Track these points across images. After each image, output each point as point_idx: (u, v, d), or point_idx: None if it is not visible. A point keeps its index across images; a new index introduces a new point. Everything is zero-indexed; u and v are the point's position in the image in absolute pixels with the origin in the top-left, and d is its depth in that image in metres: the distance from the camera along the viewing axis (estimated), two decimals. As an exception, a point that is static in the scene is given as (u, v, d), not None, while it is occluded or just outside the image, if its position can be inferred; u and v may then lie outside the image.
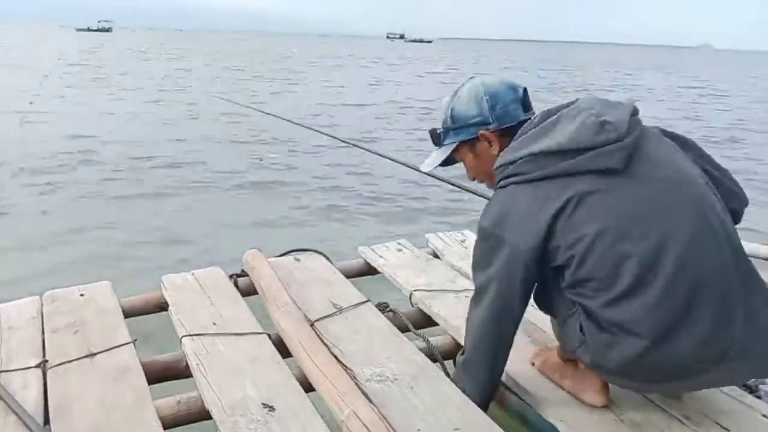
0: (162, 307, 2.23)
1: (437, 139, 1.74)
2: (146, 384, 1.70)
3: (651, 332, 1.37)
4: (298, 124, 3.89)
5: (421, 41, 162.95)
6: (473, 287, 1.64)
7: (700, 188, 1.46)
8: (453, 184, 2.62)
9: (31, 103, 12.68)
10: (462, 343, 1.97)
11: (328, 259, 2.69)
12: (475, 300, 1.61)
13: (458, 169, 1.90)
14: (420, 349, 1.94)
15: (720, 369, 1.41)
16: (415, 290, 2.35)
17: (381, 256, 2.73)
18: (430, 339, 2.03)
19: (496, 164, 1.58)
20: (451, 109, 1.69)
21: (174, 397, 1.68)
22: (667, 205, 1.41)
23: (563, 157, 1.43)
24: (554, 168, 1.44)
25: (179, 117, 11.85)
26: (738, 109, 17.21)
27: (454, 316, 2.12)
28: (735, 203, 1.58)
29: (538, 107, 1.67)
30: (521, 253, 1.47)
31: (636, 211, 1.40)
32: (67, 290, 2.23)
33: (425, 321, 2.23)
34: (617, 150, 1.41)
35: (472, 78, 1.71)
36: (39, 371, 1.74)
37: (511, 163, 1.52)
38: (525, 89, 1.67)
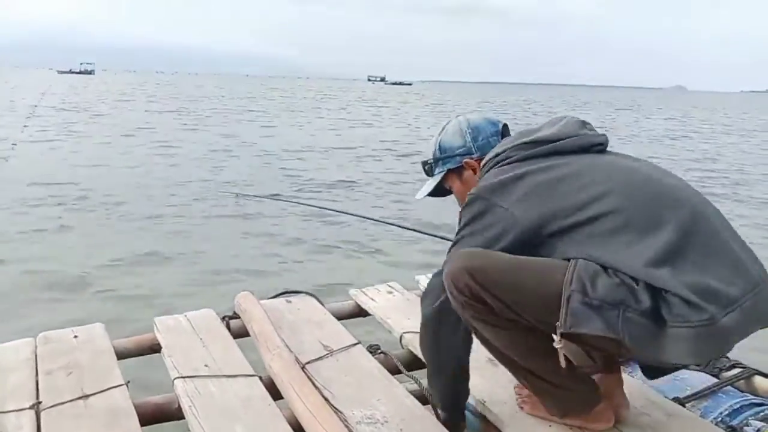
0: (154, 348, 2.26)
1: (428, 169, 1.91)
2: (139, 426, 1.72)
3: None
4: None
5: (401, 84, 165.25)
6: None
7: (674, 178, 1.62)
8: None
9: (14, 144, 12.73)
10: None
11: (319, 301, 2.73)
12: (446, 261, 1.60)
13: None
14: (410, 392, 1.97)
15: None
16: (405, 332, 2.38)
17: (372, 299, 2.77)
18: (421, 381, 2.06)
19: (484, 161, 1.73)
20: (439, 141, 1.87)
21: (167, 438, 1.70)
22: (654, 173, 1.56)
23: (549, 143, 1.60)
24: (542, 148, 1.59)
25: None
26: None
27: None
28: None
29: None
30: (514, 219, 1.51)
31: (633, 174, 1.54)
32: (61, 332, 2.26)
33: (416, 363, 2.26)
34: (599, 136, 1.65)
35: (457, 116, 1.91)
36: (32, 413, 1.75)
37: (500, 153, 1.66)
38: (505, 124, 1.87)
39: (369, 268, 5.65)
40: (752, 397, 2.08)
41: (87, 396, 1.85)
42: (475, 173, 1.79)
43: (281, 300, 2.72)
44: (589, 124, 1.67)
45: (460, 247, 1.58)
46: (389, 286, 2.93)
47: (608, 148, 1.67)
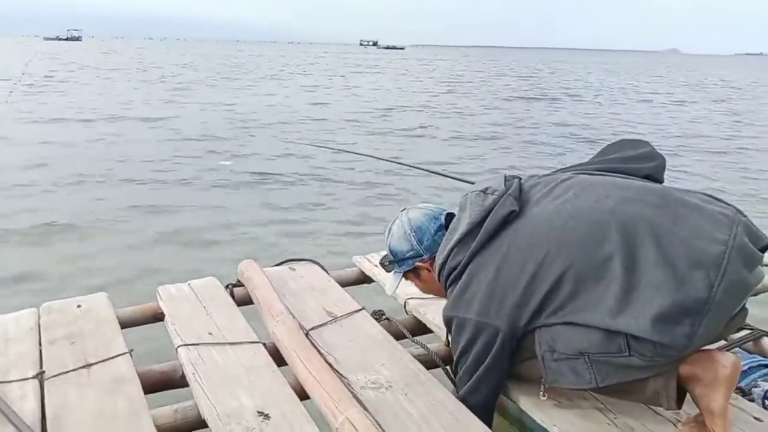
0: (158, 317, 2.25)
1: (387, 268, 2.00)
2: (142, 394, 1.71)
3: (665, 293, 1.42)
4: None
5: (394, 47, 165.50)
6: None
7: (596, 178, 1.66)
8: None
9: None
10: None
11: (322, 268, 2.71)
12: (462, 375, 1.74)
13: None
14: (415, 356, 1.95)
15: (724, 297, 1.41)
16: (409, 298, 2.36)
17: (376, 265, 2.74)
18: (427, 345, 2.04)
19: (435, 272, 1.81)
20: (389, 246, 1.96)
21: (170, 406, 1.69)
22: (582, 209, 1.56)
23: (476, 232, 1.66)
24: (475, 243, 1.65)
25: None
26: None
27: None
28: (649, 165, 1.73)
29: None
30: (503, 331, 1.60)
31: (554, 226, 1.56)
32: (64, 302, 2.25)
33: (420, 329, 2.25)
34: (505, 200, 1.65)
35: (400, 213, 1.96)
36: (36, 382, 1.75)
37: (444, 261, 1.73)
38: (448, 214, 1.90)
39: (372, 235, 5.64)
40: (760, 358, 2.07)
41: (90, 365, 1.84)
42: (430, 272, 1.88)
43: (284, 267, 2.70)
44: (488, 189, 1.70)
45: (470, 375, 1.71)
46: (393, 252, 2.89)
47: (525, 187, 1.71)
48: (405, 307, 2.36)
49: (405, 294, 2.41)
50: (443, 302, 2.28)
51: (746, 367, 2.04)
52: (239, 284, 2.50)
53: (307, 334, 2.04)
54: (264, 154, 9.19)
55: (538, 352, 1.60)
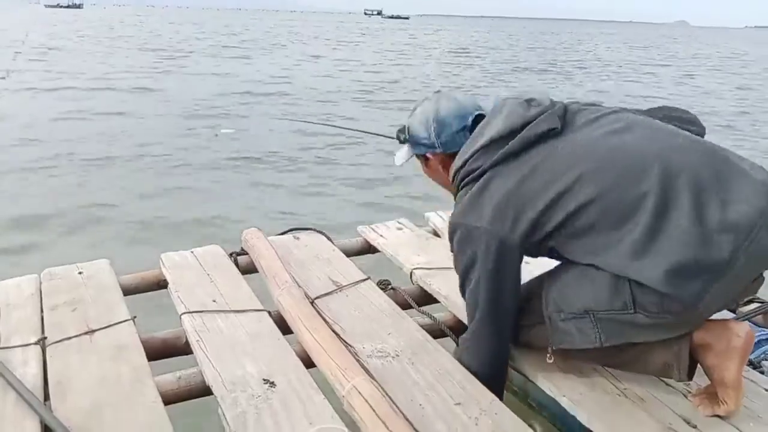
0: (161, 284, 2.22)
1: (401, 140, 1.87)
2: (146, 361, 1.69)
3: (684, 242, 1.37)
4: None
5: (398, 17, 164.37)
6: None
7: (646, 119, 1.59)
8: None
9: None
10: (462, 319, 1.96)
11: (327, 237, 2.67)
12: (468, 297, 1.66)
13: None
14: (421, 326, 1.93)
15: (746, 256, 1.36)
16: (415, 268, 2.33)
17: (381, 235, 2.71)
18: (434, 315, 2.02)
19: (451, 172, 1.69)
20: (408, 124, 1.82)
21: (174, 373, 1.67)
22: (621, 139, 1.50)
23: (507, 140, 1.54)
24: (503, 151, 1.54)
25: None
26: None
27: (455, 293, 2.09)
28: (692, 128, 1.65)
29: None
30: (501, 238, 1.52)
31: (596, 151, 1.49)
32: (66, 268, 2.22)
33: (426, 298, 2.22)
34: (549, 116, 1.55)
35: (432, 95, 1.81)
36: (38, 348, 1.73)
37: (464, 164, 1.62)
38: (477, 116, 1.73)
39: (377, 205, 5.62)
40: (773, 331, 2.04)
41: (93, 331, 1.82)
42: (441, 165, 1.78)
43: (289, 236, 2.67)
44: (533, 100, 1.59)
45: (468, 286, 1.63)
46: (399, 222, 2.87)
47: (570, 109, 1.61)
48: (411, 277, 2.33)
49: (411, 264, 2.38)
50: (450, 272, 2.26)
51: (756, 340, 2.02)
52: (243, 252, 2.47)
53: (312, 303, 2.01)
54: (263, 126, 9.11)
55: (545, 313, 1.56)
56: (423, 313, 2.07)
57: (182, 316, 1.93)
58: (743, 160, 1.48)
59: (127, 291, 2.14)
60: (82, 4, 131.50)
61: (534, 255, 1.60)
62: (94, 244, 4.40)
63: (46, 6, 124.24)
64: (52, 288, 2.08)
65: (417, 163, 1.90)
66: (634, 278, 1.39)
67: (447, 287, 2.16)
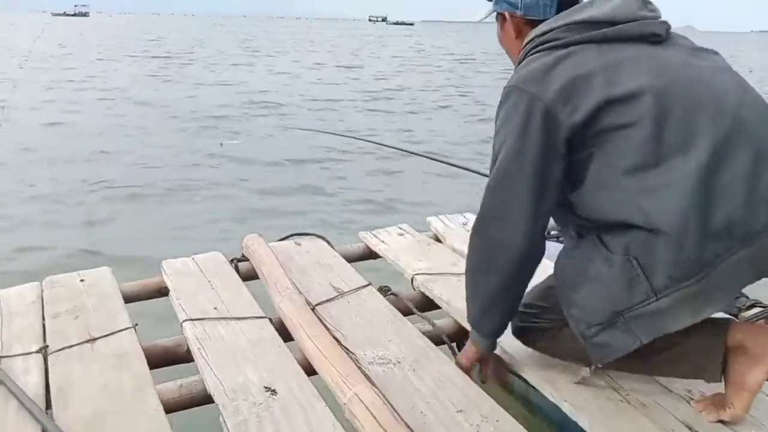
0: (162, 292, 2.22)
1: None
2: (147, 369, 1.69)
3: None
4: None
5: (403, 23, 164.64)
6: None
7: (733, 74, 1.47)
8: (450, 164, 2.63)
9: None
10: (465, 326, 1.97)
11: (328, 243, 2.67)
12: (492, 171, 1.50)
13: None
14: (423, 332, 1.93)
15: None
16: (416, 274, 2.33)
17: (382, 241, 2.71)
18: (434, 322, 2.02)
19: (528, 38, 1.53)
20: None
21: (175, 381, 1.67)
22: (713, 74, 1.41)
23: (605, 26, 1.41)
24: (596, 33, 1.41)
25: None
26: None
27: (457, 299, 2.10)
28: None
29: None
30: (546, 104, 1.37)
31: (685, 73, 1.38)
32: (68, 276, 2.22)
33: (427, 304, 2.22)
34: (661, 23, 1.44)
35: None
36: (40, 356, 1.73)
37: (548, 31, 1.47)
38: None
39: (379, 211, 5.61)
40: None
41: (94, 339, 1.82)
42: (516, 31, 1.60)
43: (290, 242, 2.67)
44: (651, 3, 1.47)
45: (502, 153, 1.45)
46: (400, 228, 2.86)
47: (672, 33, 1.48)
48: (412, 282, 2.33)
49: (412, 269, 2.38)
50: (451, 278, 2.26)
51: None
52: (244, 259, 2.47)
53: (313, 310, 2.01)
54: (267, 135, 9.11)
55: (577, 332, 1.46)
56: (424, 319, 2.07)
57: (183, 324, 1.93)
58: None
59: (129, 299, 2.14)
60: (88, 13, 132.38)
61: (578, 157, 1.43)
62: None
63: (53, 14, 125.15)
64: (54, 296, 2.08)
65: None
66: (656, 211, 1.30)
67: (449, 293, 2.16)
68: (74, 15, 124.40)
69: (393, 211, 5.49)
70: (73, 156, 7.22)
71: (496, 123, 1.50)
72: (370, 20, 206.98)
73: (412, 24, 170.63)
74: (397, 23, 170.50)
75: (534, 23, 1.54)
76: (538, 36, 1.49)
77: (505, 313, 1.61)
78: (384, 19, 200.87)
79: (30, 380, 1.62)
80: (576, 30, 1.43)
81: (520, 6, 1.57)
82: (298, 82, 16.24)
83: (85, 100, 11.63)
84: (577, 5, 1.49)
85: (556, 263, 1.55)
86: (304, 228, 3.12)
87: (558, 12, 1.51)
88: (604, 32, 1.41)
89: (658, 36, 1.43)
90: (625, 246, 1.34)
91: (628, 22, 1.41)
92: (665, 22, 1.46)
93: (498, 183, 1.47)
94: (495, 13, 1.66)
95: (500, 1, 1.62)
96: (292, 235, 2.75)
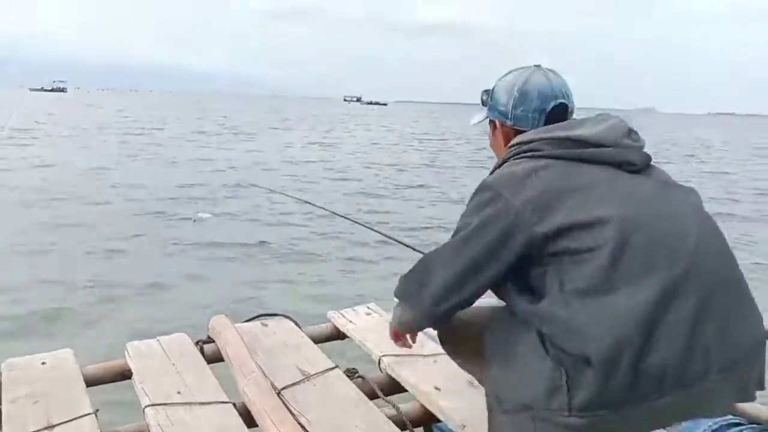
0: (125, 375, 2.19)
1: (483, 100, 1.77)
2: (107, 457, 1.66)
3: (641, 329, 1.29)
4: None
5: (377, 104, 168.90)
6: (442, 352, 1.67)
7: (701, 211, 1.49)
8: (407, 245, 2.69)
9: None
10: (431, 410, 1.97)
11: (296, 323, 2.68)
12: (445, 253, 1.53)
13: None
14: (389, 417, 1.93)
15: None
16: (383, 355, 2.34)
17: (350, 321, 2.73)
18: (399, 406, 2.02)
19: (513, 141, 1.58)
20: (495, 85, 1.72)
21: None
22: (680, 212, 1.43)
23: (587, 146, 1.45)
24: (575, 151, 1.45)
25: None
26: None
27: (423, 382, 2.12)
28: None
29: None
30: (516, 210, 1.40)
31: (652, 207, 1.40)
32: (28, 358, 2.18)
33: (394, 387, 2.22)
34: (639, 151, 1.48)
35: (532, 66, 1.68)
36: (-6, 445, 1.68)
37: (528, 142, 1.52)
38: (559, 105, 1.62)
39: (347, 287, 5.62)
40: (732, 417, 2.08)
41: (53, 426, 1.78)
42: (504, 138, 1.67)
43: (257, 323, 2.66)
44: (635, 133, 1.52)
45: (458, 244, 1.48)
46: (368, 307, 2.89)
47: (651, 165, 1.52)
48: (379, 364, 2.34)
49: (379, 350, 2.39)
50: (418, 360, 2.28)
51: (717, 426, 2.05)
52: (210, 340, 2.46)
53: (279, 394, 2.00)
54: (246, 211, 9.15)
55: (486, 399, 1.49)
56: (389, 403, 2.07)
57: (146, 409, 1.90)
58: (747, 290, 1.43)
59: (91, 382, 2.10)
60: (66, 89, 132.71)
61: (520, 272, 1.46)
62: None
63: (30, 89, 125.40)
64: (13, 379, 2.03)
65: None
66: (594, 339, 1.28)
67: (415, 376, 2.17)
68: (52, 90, 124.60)
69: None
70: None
71: (467, 206, 1.53)
72: (345, 100, 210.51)
73: (386, 104, 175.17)
74: (371, 103, 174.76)
75: (521, 133, 1.60)
76: (521, 143, 1.54)
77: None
78: (358, 99, 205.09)
79: (-16, 471, 1.57)
80: (557, 145, 1.47)
81: (510, 116, 1.64)
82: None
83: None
84: (566, 122, 1.56)
85: (493, 317, 1.58)
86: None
87: (545, 125, 1.58)
88: (582, 152, 1.44)
89: (634, 165, 1.45)
90: (559, 355, 1.33)
91: (609, 146, 1.45)
92: (645, 153, 1.49)
93: (444, 248, 1.53)
94: (488, 119, 1.75)
95: (493, 110, 1.70)
96: (259, 316, 2.75)
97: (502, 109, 1.66)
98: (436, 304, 1.51)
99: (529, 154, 1.50)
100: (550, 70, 1.66)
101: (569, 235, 1.36)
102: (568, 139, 1.47)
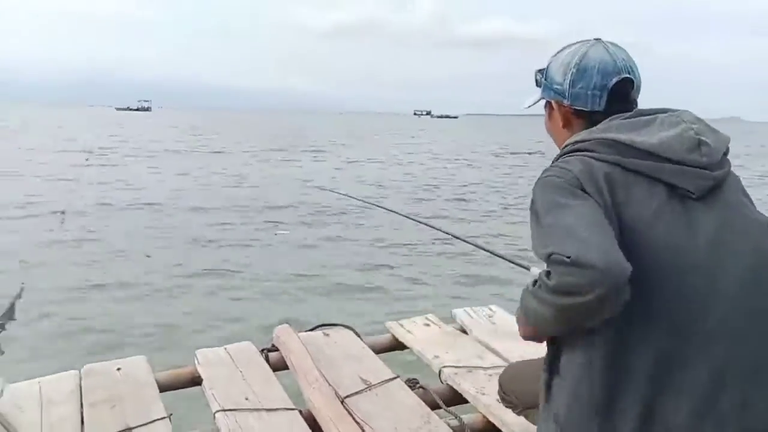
0: (196, 381, 2.27)
1: (537, 80, 1.58)
2: (182, 460, 1.73)
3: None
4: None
5: (447, 117, 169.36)
6: (502, 364, 1.67)
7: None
8: (485, 249, 2.64)
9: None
10: (493, 421, 1.98)
11: (356, 333, 2.72)
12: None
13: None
14: (452, 428, 1.94)
15: None
16: (444, 366, 2.35)
17: (409, 331, 2.75)
18: (461, 417, 2.03)
19: (568, 140, 1.41)
20: (549, 63, 1.54)
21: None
22: (728, 260, 1.22)
23: (646, 157, 1.27)
24: (632, 162, 1.26)
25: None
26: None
27: (484, 393, 2.12)
28: None
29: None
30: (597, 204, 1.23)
31: (692, 255, 1.21)
32: (104, 364, 2.29)
33: (455, 398, 2.23)
34: (701, 177, 1.25)
35: (590, 40, 1.49)
36: (79, 446, 1.78)
37: (586, 141, 1.35)
38: (625, 80, 1.41)
39: (404, 299, 5.66)
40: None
41: (131, 429, 1.87)
42: (563, 121, 1.49)
43: (319, 333, 2.72)
44: (706, 145, 1.27)
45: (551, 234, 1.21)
46: (426, 318, 2.91)
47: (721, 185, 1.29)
48: (440, 375, 2.35)
49: (439, 362, 2.41)
50: (479, 372, 2.29)
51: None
52: (274, 349, 2.52)
53: (342, 402, 2.04)
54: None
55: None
56: (451, 414, 2.08)
57: (216, 414, 1.97)
58: None
59: (163, 388, 2.19)
60: (150, 108, 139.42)
61: None
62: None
63: (117, 109, 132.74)
64: (92, 385, 2.14)
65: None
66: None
67: (476, 387, 2.17)
68: (137, 110, 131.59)
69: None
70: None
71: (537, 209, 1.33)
72: (415, 114, 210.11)
73: (456, 117, 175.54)
74: (441, 116, 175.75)
75: (582, 114, 1.44)
76: (575, 143, 1.38)
77: None
78: (428, 113, 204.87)
79: (68, 470, 1.66)
80: (614, 148, 1.29)
81: (567, 96, 1.45)
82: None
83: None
84: (629, 121, 1.34)
85: None
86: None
87: (609, 104, 1.40)
88: (639, 164, 1.26)
89: (691, 194, 1.24)
90: None
91: (670, 161, 1.25)
92: (713, 175, 1.26)
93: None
94: (543, 101, 1.57)
95: (548, 89, 1.52)
96: (320, 326, 2.81)
97: (558, 87, 1.48)
98: None
99: (580, 155, 1.34)
100: (611, 43, 1.46)
101: None
102: (622, 143, 1.29)
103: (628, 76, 1.41)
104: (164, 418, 1.93)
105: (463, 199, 12.65)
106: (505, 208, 11.56)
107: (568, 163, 1.31)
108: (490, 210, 11.42)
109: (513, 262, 2.15)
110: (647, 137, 1.28)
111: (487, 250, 2.25)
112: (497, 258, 2.30)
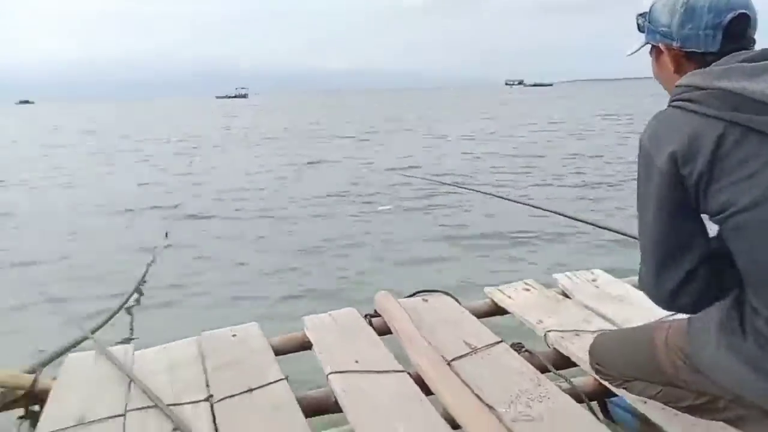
0: (305, 346, 2.36)
1: (639, 25, 1.51)
2: (303, 418, 1.81)
3: None
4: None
5: (541, 85, 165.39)
6: (610, 327, 1.65)
7: None
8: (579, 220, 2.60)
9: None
10: (603, 382, 1.95)
11: (455, 299, 2.74)
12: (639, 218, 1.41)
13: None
14: (564, 390, 1.93)
15: None
16: (549, 331, 2.33)
17: (509, 296, 2.74)
18: (572, 380, 2.01)
19: (681, 81, 1.34)
20: (652, 5, 1.46)
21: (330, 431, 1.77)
22: None
23: (760, 109, 1.18)
24: (741, 116, 1.20)
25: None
26: None
27: (593, 356, 2.09)
28: None
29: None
30: (666, 178, 1.28)
31: None
32: (221, 331, 2.42)
33: (563, 362, 2.21)
34: None
35: None
36: (207, 405, 1.90)
37: (697, 88, 1.28)
38: (740, 16, 1.31)
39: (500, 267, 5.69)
40: None
41: (252, 390, 1.97)
42: (674, 65, 1.42)
43: (418, 299, 2.76)
44: None
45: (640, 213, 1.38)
46: (525, 283, 2.88)
47: None
48: (546, 339, 2.33)
49: (543, 326, 2.39)
50: (587, 335, 2.25)
51: None
52: (377, 314, 2.58)
53: (449, 365, 2.07)
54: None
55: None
56: (561, 377, 2.07)
57: (329, 376, 2.05)
58: None
59: (277, 352, 2.29)
60: (247, 94, 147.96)
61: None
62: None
63: (216, 97, 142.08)
64: (211, 349, 2.27)
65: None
66: None
67: (584, 350, 2.14)
68: (235, 97, 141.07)
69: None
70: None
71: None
72: (506, 84, 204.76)
73: (550, 85, 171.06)
74: (534, 85, 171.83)
75: (694, 56, 1.36)
76: (686, 86, 1.32)
77: None
78: (521, 82, 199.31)
79: (201, 427, 1.78)
80: (722, 99, 1.22)
81: (676, 38, 1.37)
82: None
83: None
84: (750, 65, 1.24)
85: None
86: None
87: (723, 43, 1.32)
88: (751, 119, 1.19)
89: None
90: None
91: None
92: None
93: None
94: (649, 46, 1.50)
95: (653, 33, 1.44)
96: (418, 292, 2.84)
97: (665, 29, 1.39)
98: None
99: (688, 104, 1.27)
100: None
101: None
102: (739, 95, 1.20)
103: (743, 11, 1.31)
104: (282, 379, 2.03)
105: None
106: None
107: (673, 126, 1.29)
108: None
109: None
110: (756, 84, 1.19)
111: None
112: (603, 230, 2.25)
